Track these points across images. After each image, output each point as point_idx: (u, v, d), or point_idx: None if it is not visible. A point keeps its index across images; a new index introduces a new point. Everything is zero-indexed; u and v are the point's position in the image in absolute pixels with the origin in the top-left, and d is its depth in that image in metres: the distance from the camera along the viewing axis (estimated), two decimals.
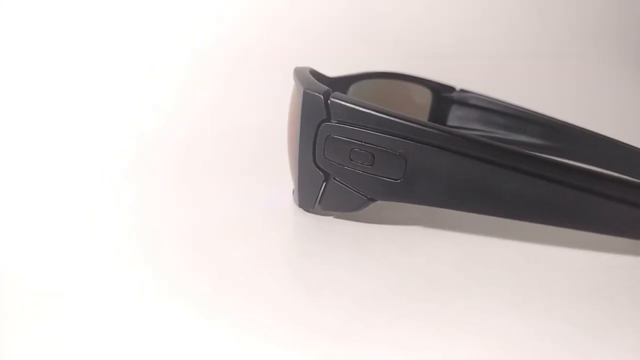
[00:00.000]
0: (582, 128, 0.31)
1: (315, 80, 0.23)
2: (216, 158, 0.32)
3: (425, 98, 0.35)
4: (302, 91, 0.22)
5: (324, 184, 0.22)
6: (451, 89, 0.35)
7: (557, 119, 0.32)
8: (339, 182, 0.22)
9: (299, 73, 0.25)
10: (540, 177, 0.19)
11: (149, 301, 0.18)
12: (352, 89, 0.32)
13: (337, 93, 0.22)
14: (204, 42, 0.43)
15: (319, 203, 0.23)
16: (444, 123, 0.35)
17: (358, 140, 0.21)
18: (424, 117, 0.35)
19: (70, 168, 0.29)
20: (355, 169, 0.21)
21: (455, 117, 0.35)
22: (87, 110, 0.36)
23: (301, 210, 0.24)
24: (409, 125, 0.20)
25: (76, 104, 0.37)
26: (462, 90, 0.35)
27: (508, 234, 0.22)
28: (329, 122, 0.22)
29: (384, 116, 0.21)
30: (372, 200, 0.22)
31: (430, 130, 0.20)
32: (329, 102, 0.22)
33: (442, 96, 0.35)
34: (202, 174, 0.29)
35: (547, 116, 0.32)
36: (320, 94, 0.22)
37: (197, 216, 0.24)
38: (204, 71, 0.41)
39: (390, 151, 0.21)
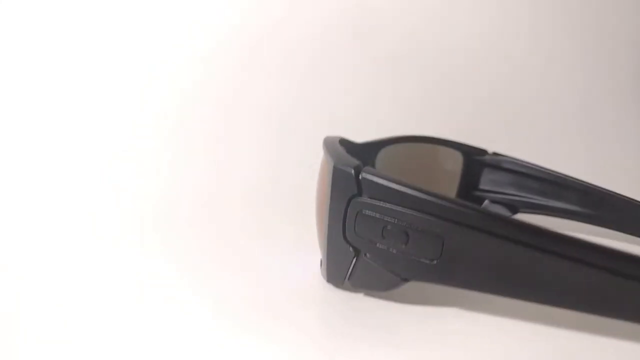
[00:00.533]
0: (619, 195, 0.29)
1: (346, 153, 0.23)
2: (235, 222, 0.31)
3: (456, 162, 0.34)
4: (332, 165, 0.22)
5: (354, 260, 0.22)
6: (483, 152, 0.34)
7: (593, 185, 0.30)
8: (370, 259, 0.21)
9: (328, 144, 0.24)
10: (585, 263, 0.18)
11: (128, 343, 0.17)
12: (381, 153, 0.31)
13: (368, 168, 0.21)
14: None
15: (348, 279, 0.22)
16: (476, 187, 0.34)
17: (391, 218, 0.20)
18: (455, 181, 0.35)
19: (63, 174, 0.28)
20: (388, 248, 0.21)
21: (488, 181, 0.34)
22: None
23: (329, 285, 0.23)
24: (445, 205, 0.19)
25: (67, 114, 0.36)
26: (494, 154, 0.34)
27: (552, 323, 0.20)
28: (360, 197, 0.21)
29: (418, 194, 0.20)
30: (406, 280, 0.21)
31: (468, 211, 0.19)
32: (360, 177, 0.21)
33: (474, 159, 0.34)
34: (220, 243, 0.28)
35: (583, 181, 0.31)
36: (351, 168, 0.21)
37: (219, 287, 0.23)
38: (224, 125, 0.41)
39: (425, 231, 0.20)
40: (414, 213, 0.20)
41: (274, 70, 0.42)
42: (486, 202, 0.34)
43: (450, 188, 0.35)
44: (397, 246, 0.20)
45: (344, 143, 0.27)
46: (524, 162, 0.33)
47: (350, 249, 0.22)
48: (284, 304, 0.22)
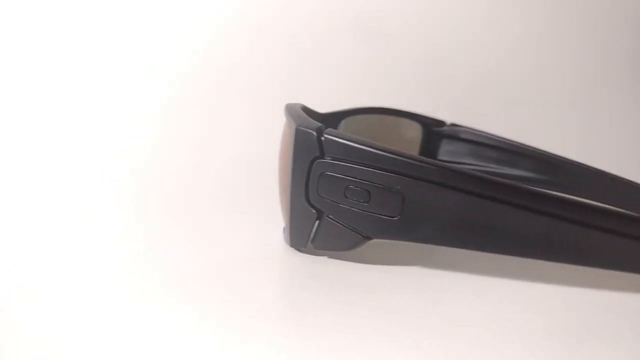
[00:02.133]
0: (574, 161, 0.30)
1: (307, 117, 0.23)
2: (202, 195, 0.31)
3: (416, 133, 0.35)
4: (294, 128, 0.22)
5: (317, 222, 0.22)
6: (442, 123, 0.35)
7: (548, 152, 0.31)
8: (333, 220, 0.21)
9: (290, 109, 0.24)
10: (540, 212, 0.18)
11: (128, 343, 0.17)
12: (342, 124, 0.32)
13: (330, 129, 0.21)
14: (188, 73, 0.42)
15: (311, 242, 0.22)
16: (435, 157, 0.35)
17: (353, 177, 0.20)
18: (414, 151, 0.35)
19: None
20: (351, 207, 0.21)
21: (446, 152, 0.35)
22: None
23: (292, 250, 0.23)
24: (406, 161, 0.20)
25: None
26: (452, 125, 0.34)
27: (507, 273, 0.21)
28: (323, 159, 0.21)
29: (380, 152, 0.20)
30: (368, 238, 0.21)
31: (428, 166, 0.19)
32: (322, 138, 0.21)
33: (433, 130, 0.35)
34: (187, 212, 0.28)
35: (538, 149, 0.32)
36: (313, 130, 0.21)
37: (182, 256, 0.23)
38: (188, 102, 0.40)
39: (386, 188, 0.20)
40: (375, 171, 0.20)
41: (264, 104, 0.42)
42: None
43: None
44: (359, 205, 0.21)
45: (306, 111, 0.27)
46: (481, 131, 0.33)
47: (313, 210, 0.22)
48: (246, 269, 0.22)
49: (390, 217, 0.20)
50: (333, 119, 0.31)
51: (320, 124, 0.22)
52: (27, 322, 0.16)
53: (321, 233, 0.22)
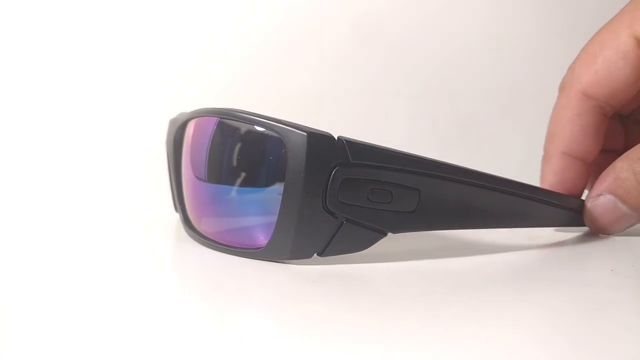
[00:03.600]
0: None
1: (302, 125, 0.22)
2: None
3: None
4: (303, 136, 0.21)
5: (337, 228, 0.22)
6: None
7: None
8: (354, 223, 0.22)
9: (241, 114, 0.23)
10: (506, 192, 0.25)
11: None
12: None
13: (342, 135, 0.22)
14: None
15: (327, 249, 0.22)
16: None
17: (377, 179, 0.22)
18: None
19: None
20: (374, 207, 0.22)
21: None
22: None
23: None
24: (424, 161, 0.23)
25: None
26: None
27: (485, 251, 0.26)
28: (347, 164, 0.21)
29: (399, 154, 0.22)
30: (384, 234, 0.23)
31: (441, 164, 0.23)
32: (345, 143, 0.21)
33: None
34: None
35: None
36: (333, 136, 0.21)
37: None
38: None
39: (406, 187, 0.22)
40: (395, 173, 0.22)
41: None
42: None
43: None
44: (381, 205, 0.22)
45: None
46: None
47: (332, 217, 0.22)
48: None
49: (408, 212, 0.23)
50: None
51: (329, 133, 0.22)
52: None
53: (339, 238, 0.22)
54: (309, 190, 0.21)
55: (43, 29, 0.44)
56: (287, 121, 0.22)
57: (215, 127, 0.25)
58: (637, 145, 0.25)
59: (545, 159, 0.28)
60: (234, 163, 0.25)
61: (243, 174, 0.24)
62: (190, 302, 0.19)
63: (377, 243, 0.23)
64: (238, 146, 0.24)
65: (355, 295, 0.20)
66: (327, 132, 0.22)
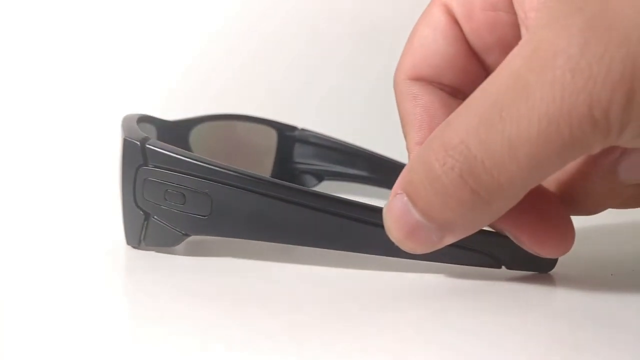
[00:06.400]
0: (397, 161, 0.35)
1: (136, 128, 0.26)
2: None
3: (271, 138, 0.38)
4: (122, 139, 0.25)
5: (145, 222, 0.25)
6: (293, 128, 0.38)
7: (379, 154, 0.36)
8: (158, 220, 0.24)
9: (125, 120, 0.27)
10: (311, 207, 0.22)
11: None
12: (195, 131, 0.35)
13: (153, 140, 0.24)
14: None
15: (143, 240, 0.25)
16: (289, 160, 0.39)
17: (171, 182, 0.24)
18: (271, 155, 0.39)
19: None
20: (170, 208, 0.24)
21: (299, 154, 0.38)
22: None
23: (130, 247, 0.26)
24: (210, 167, 0.23)
25: None
26: (302, 129, 0.38)
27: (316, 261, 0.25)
28: (146, 166, 0.24)
29: (191, 160, 0.23)
30: (187, 235, 0.24)
31: (227, 172, 0.23)
32: (145, 148, 0.24)
33: (286, 135, 0.38)
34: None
35: (369, 151, 0.36)
36: (137, 140, 0.24)
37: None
38: None
39: (197, 191, 0.23)
40: (187, 176, 0.23)
41: None
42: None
43: (267, 162, 0.39)
44: (177, 206, 0.24)
45: (149, 119, 0.30)
46: (325, 136, 0.38)
47: (141, 212, 0.25)
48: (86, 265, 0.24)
49: (202, 216, 0.23)
50: (183, 127, 0.34)
51: (145, 135, 0.25)
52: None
53: (150, 232, 0.25)
54: (124, 187, 0.25)
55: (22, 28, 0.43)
56: (132, 126, 0.26)
57: None
58: (438, 127, 0.18)
59: (409, 156, 0.22)
60: None
61: None
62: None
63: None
64: None
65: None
66: (141, 137, 0.24)
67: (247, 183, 0.23)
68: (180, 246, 0.25)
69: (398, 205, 0.19)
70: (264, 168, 0.38)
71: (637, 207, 0.21)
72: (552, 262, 0.22)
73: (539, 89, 0.15)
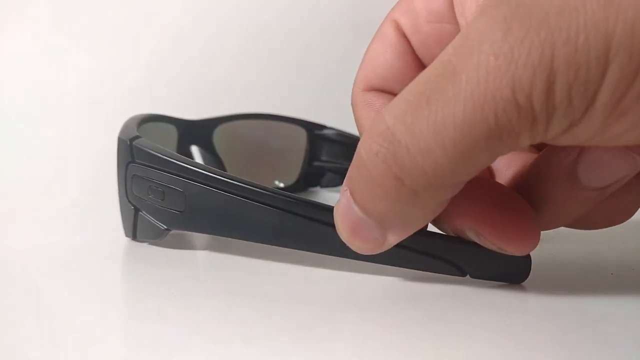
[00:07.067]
0: None
1: (132, 126, 0.27)
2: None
3: (301, 136, 0.39)
4: (117, 136, 0.26)
5: (136, 216, 0.26)
6: (322, 127, 0.38)
7: None
8: (144, 214, 0.25)
9: (130, 120, 0.28)
10: (274, 207, 0.22)
11: None
12: (218, 130, 0.36)
13: (142, 139, 0.25)
14: None
15: (136, 233, 0.26)
16: (318, 159, 0.38)
17: (152, 179, 0.25)
18: (301, 154, 0.39)
19: None
20: (153, 204, 0.25)
21: (326, 153, 0.38)
22: None
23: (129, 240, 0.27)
24: (182, 165, 0.24)
25: None
26: (330, 128, 0.38)
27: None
28: (134, 163, 0.25)
29: (167, 158, 0.24)
30: (168, 229, 0.25)
31: (197, 170, 0.23)
32: (133, 145, 0.25)
33: (315, 134, 0.38)
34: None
35: None
36: (127, 139, 0.26)
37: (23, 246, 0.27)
38: None
39: (174, 188, 0.24)
40: (165, 174, 0.24)
41: None
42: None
43: (297, 161, 0.39)
44: (158, 202, 0.25)
45: (171, 120, 0.32)
46: (349, 134, 0.37)
47: (132, 206, 0.26)
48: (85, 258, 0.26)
49: (178, 211, 0.24)
50: (207, 126, 0.35)
51: (136, 134, 0.26)
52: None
53: (139, 226, 0.26)
54: (119, 183, 0.26)
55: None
56: (129, 124, 0.28)
57: None
58: (377, 113, 0.17)
59: None
60: None
61: None
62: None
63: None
64: None
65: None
66: (131, 136, 0.26)
67: (215, 182, 0.23)
68: (178, 242, 0.26)
69: (343, 202, 0.18)
70: (294, 167, 0.38)
71: (609, 224, 0.19)
72: (525, 272, 0.20)
73: (465, 72, 0.15)
